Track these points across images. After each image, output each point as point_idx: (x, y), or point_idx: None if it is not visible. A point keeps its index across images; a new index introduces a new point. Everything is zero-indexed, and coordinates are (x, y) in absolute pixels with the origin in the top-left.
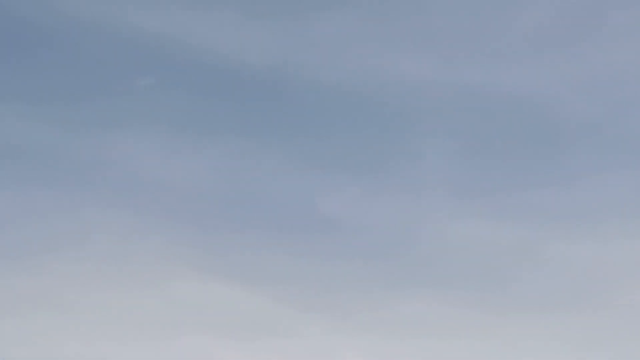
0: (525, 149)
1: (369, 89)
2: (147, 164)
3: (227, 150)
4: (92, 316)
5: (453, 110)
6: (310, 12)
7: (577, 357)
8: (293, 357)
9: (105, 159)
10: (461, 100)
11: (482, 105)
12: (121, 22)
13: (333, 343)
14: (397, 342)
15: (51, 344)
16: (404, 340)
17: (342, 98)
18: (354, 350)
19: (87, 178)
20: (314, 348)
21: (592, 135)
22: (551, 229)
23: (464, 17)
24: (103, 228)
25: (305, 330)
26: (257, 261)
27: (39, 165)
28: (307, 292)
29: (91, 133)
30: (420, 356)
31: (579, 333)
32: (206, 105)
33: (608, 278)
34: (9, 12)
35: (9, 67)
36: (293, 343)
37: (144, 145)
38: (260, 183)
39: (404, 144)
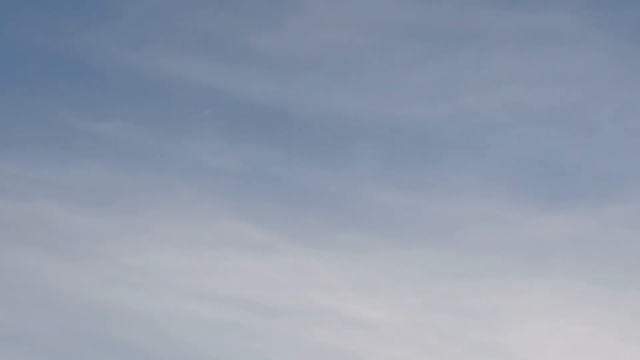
0: (419, 153)
1: (324, 115)
2: (207, 158)
3: (251, 150)
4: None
5: (377, 129)
6: (294, 70)
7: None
8: (279, 269)
9: (183, 155)
10: (383, 123)
11: (397, 126)
12: (196, 79)
13: (305, 258)
14: (329, 254)
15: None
16: (334, 253)
17: (312, 122)
18: (317, 261)
19: (170, 168)
20: (294, 262)
21: (458, 147)
22: (427, 196)
23: (386, 72)
24: (179, 194)
25: (286, 250)
26: (261, 207)
27: (142, 161)
28: (286, 224)
29: (178, 141)
30: (334, 263)
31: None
32: (239, 125)
33: (455, 223)
34: (124, 67)
35: (129, 108)
36: (277, 259)
37: (206, 148)
38: (269, 169)
39: (346, 148)
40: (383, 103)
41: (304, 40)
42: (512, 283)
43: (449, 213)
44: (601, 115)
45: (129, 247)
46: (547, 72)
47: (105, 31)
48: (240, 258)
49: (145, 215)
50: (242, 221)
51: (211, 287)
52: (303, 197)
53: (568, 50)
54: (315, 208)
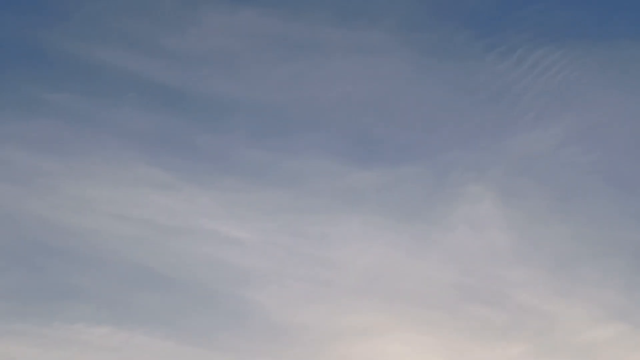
0: (279, 126)
1: (213, 96)
2: (130, 123)
3: (160, 119)
4: None
5: (250, 107)
6: (192, 63)
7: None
8: (177, 201)
9: (114, 120)
10: (254, 103)
11: (264, 106)
12: (122, 66)
13: (195, 194)
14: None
15: None
16: (216, 191)
17: (205, 100)
18: (204, 197)
19: (104, 128)
20: (187, 197)
21: (306, 123)
22: (282, 156)
23: (256, 67)
24: (110, 146)
25: (182, 188)
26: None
27: (84, 122)
28: (183, 170)
29: (110, 110)
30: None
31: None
32: (152, 100)
33: (301, 175)
34: (74, 55)
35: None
36: (176, 194)
37: (130, 115)
38: (172, 131)
39: (228, 119)
40: (253, 89)
41: (200, 42)
42: (336, 217)
43: (297, 168)
44: (401, 105)
45: (73, 183)
46: (367, 74)
47: (60, 29)
48: (149, 193)
49: (86, 161)
50: (152, 167)
51: (129, 212)
52: (196, 152)
53: (381, 60)
54: (204, 160)
